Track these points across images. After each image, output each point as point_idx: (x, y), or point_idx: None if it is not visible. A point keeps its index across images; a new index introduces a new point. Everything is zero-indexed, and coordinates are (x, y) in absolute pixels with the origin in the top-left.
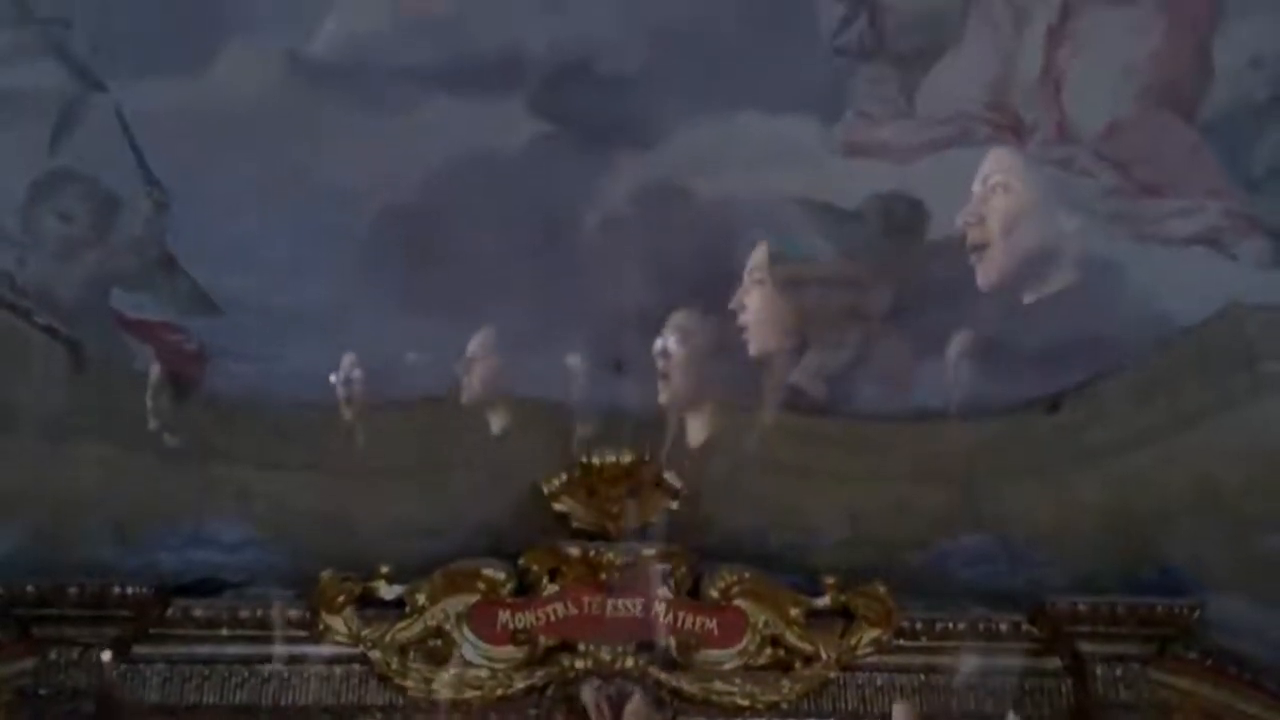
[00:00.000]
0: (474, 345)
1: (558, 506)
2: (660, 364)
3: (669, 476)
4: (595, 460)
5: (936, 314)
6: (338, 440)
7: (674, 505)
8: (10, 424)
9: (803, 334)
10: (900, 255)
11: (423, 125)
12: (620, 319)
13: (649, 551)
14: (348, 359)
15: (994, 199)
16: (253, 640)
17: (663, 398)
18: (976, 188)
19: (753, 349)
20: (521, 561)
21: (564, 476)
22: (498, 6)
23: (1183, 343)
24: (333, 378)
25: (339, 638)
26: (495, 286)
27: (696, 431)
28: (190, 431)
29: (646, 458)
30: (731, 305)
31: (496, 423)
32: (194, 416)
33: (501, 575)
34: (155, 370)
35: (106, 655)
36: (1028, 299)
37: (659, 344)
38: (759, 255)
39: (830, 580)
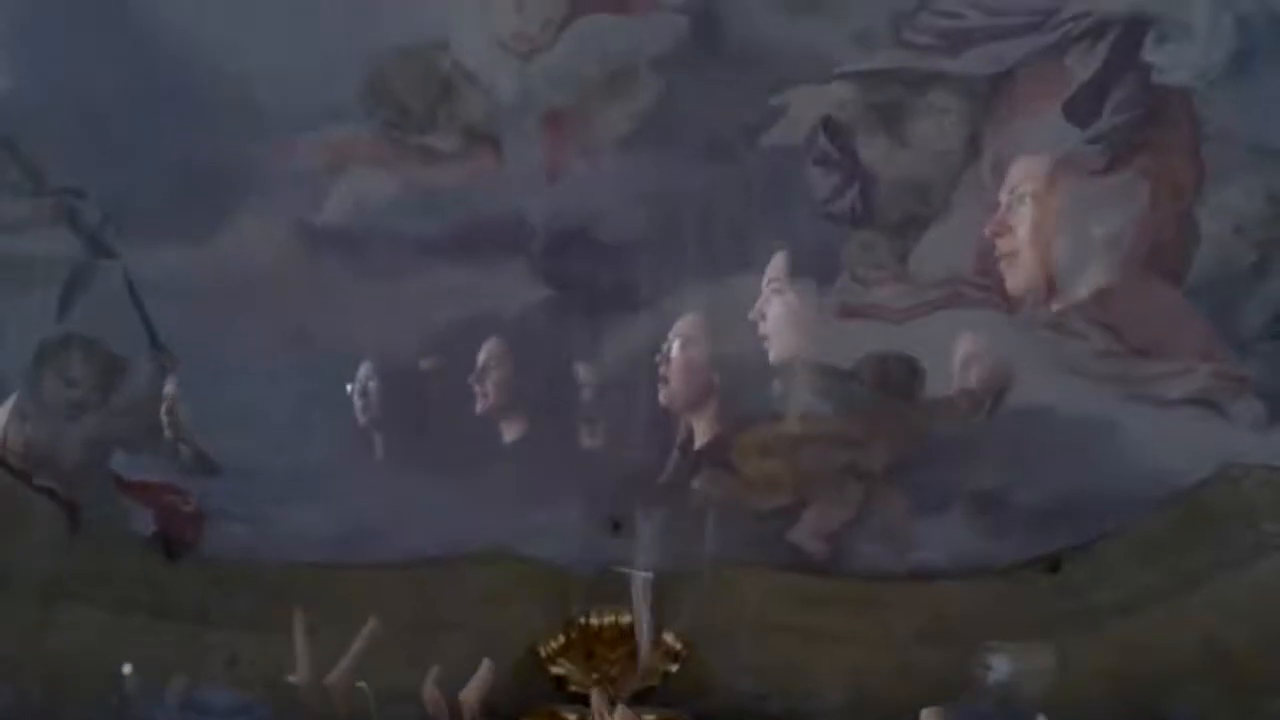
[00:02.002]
0: (484, 354)
1: (555, 669)
2: (661, 369)
3: (668, 638)
4: (594, 622)
5: (935, 472)
6: (332, 603)
7: (673, 667)
8: (4, 585)
9: (801, 492)
10: (897, 413)
11: (424, 290)
12: (619, 479)
13: (649, 716)
14: (364, 368)
15: (1021, 209)
16: None
17: (662, 398)
18: (1003, 197)
19: (772, 356)
20: None
21: (561, 639)
22: (500, 177)
23: (1182, 503)
24: (349, 387)
25: None
26: (494, 447)
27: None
28: (185, 594)
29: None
30: (751, 316)
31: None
32: (189, 579)
33: None
34: (151, 532)
35: None
36: (1056, 306)
37: (663, 348)
38: (777, 263)
39: None
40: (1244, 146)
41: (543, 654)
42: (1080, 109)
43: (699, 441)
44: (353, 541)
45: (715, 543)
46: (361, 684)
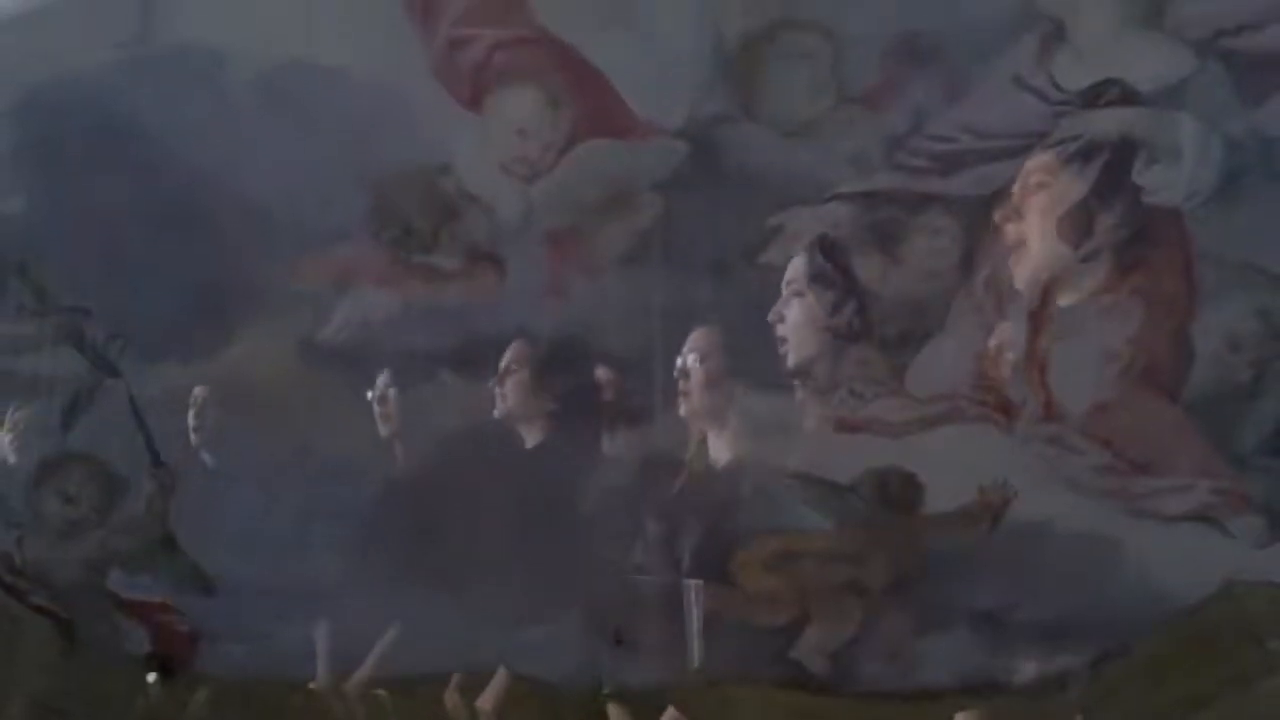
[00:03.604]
0: (506, 358)
1: None
2: (681, 384)
3: None
4: None
5: (937, 589)
6: None
7: None
8: None
9: (803, 608)
10: (898, 529)
11: (426, 403)
12: (620, 593)
13: None
14: (382, 377)
15: (1033, 197)
16: None
17: (682, 410)
18: (1016, 187)
19: (790, 361)
20: None
21: None
22: (503, 295)
23: (1188, 621)
24: (369, 394)
25: None
26: (495, 561)
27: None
28: (178, 716)
29: None
30: (770, 317)
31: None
32: (182, 699)
33: None
34: (146, 652)
35: None
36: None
37: (680, 363)
38: (796, 266)
39: None
40: (1235, 265)
41: None
42: (1072, 229)
43: (717, 462)
44: (350, 660)
45: (716, 658)
46: (379, 691)
